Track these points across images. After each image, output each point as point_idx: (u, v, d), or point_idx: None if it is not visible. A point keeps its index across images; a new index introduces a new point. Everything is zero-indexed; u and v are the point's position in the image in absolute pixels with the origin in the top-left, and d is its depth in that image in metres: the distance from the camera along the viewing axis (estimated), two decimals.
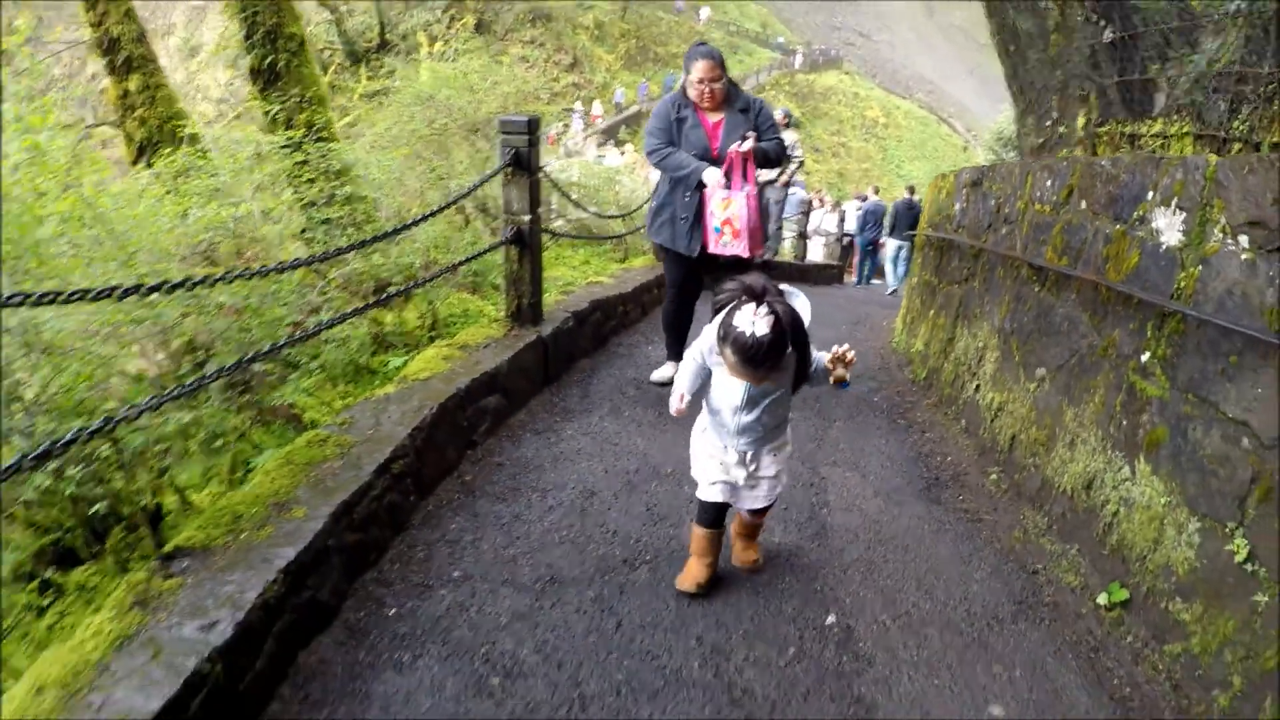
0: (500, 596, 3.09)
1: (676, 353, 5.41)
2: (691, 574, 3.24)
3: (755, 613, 3.18)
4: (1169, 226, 3.27)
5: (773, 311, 2.62)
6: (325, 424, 3.67)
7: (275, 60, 7.37)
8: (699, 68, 4.78)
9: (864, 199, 18.81)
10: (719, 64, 4.82)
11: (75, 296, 2.27)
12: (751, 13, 64.64)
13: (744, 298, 2.68)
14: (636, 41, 49.27)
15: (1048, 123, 7.02)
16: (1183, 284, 3.13)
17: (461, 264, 5.23)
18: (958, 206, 6.45)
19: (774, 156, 5.04)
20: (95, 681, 2.10)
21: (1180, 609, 2.91)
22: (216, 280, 2.78)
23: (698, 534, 3.26)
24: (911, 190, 16.13)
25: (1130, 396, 3.43)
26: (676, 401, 3.06)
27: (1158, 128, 4.19)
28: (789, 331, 2.67)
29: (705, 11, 58.20)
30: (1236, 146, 4.19)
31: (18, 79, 4.16)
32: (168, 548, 2.70)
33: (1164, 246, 3.29)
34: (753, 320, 2.62)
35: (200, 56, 40.04)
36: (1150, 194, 3.44)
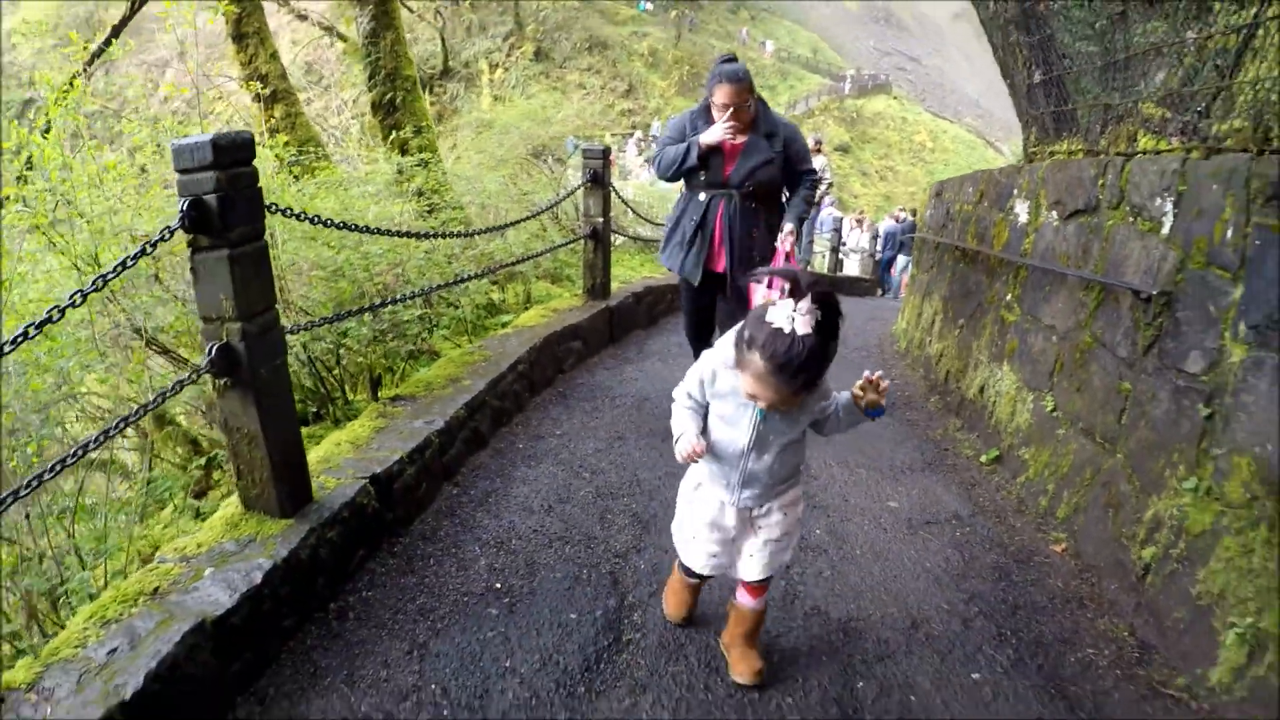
0: (586, 441, 4.90)
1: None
2: (675, 608, 3.09)
3: None
4: (1022, 210, 5.03)
5: (821, 306, 2.12)
6: (469, 347, 5.53)
7: (394, 97, 9.26)
8: (723, 92, 4.37)
9: (897, 219, 20.37)
10: (747, 87, 4.40)
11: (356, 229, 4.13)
12: (803, 38, 66.23)
13: (781, 292, 2.15)
14: (689, 69, 51.13)
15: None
16: (1027, 246, 4.88)
17: (559, 247, 7.21)
18: (929, 212, 8.23)
19: (808, 208, 4.78)
20: (369, 441, 3.89)
21: (1024, 453, 4.62)
22: (426, 236, 4.65)
23: (681, 583, 3.05)
24: (912, 212, 18.03)
25: (1001, 325, 5.18)
26: (686, 447, 2.47)
27: (1064, 146, 5.75)
28: (834, 339, 2.18)
29: (770, 45, 60.02)
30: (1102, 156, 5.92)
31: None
32: (388, 395, 4.54)
33: (1019, 223, 5.05)
34: (791, 317, 2.10)
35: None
36: (1015, 191, 5.21)
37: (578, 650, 2.91)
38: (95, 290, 2.51)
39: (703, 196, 4.63)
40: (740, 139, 4.50)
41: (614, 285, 8.00)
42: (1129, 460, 3.54)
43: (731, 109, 4.38)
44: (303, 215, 3.31)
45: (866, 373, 2.41)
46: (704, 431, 2.57)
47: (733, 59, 4.55)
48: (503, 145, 10.24)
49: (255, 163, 2.76)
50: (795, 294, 2.11)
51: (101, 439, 2.43)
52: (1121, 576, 3.40)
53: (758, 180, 4.53)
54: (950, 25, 76.15)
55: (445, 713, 2.55)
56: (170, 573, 2.66)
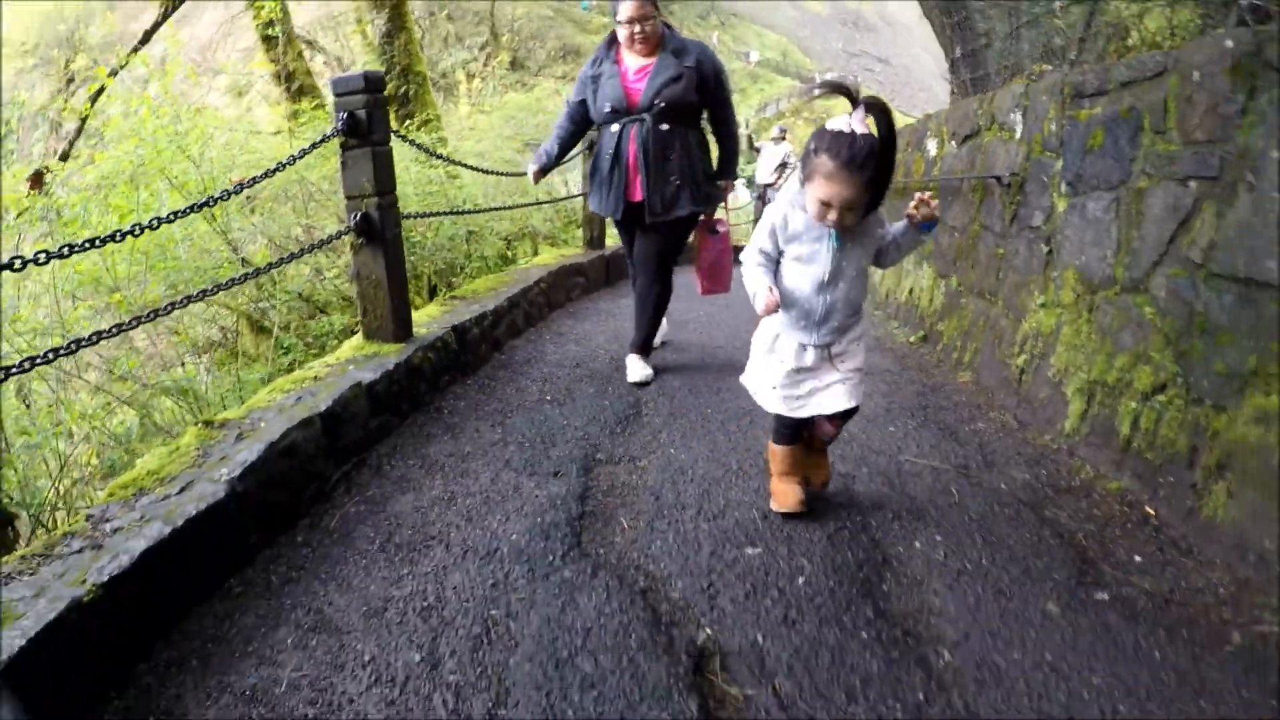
0: (597, 336, 6.18)
1: (644, 343, 5.08)
2: (789, 494, 3.06)
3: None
4: (932, 145, 6.40)
5: (873, 111, 2.43)
6: (500, 275, 6.85)
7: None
8: (626, 7, 4.26)
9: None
10: (650, 1, 4.28)
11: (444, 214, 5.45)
12: (771, 42, 67.76)
13: (817, 94, 2.66)
14: None
15: None
16: (935, 170, 6.23)
17: (561, 200, 8.50)
18: None
19: (734, 152, 4.85)
20: (441, 315, 5.15)
21: (941, 326, 5.94)
22: (505, 175, 5.97)
23: (781, 453, 3.09)
24: None
25: None
26: (764, 299, 2.58)
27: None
28: (891, 140, 2.46)
29: (754, 55, 61.54)
30: None
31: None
32: (445, 296, 5.83)
33: (930, 155, 6.42)
34: (849, 123, 2.41)
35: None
36: (927, 132, 6.58)
37: (613, 416, 4.24)
38: (281, 169, 3.82)
39: (615, 128, 4.43)
40: (646, 61, 4.39)
41: (610, 240, 9.28)
42: (1005, 303, 4.87)
43: (636, 23, 4.29)
44: (412, 142, 4.65)
45: (918, 194, 2.67)
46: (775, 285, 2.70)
47: None
48: (502, 134, 11.56)
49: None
50: (852, 104, 2.45)
51: (322, 244, 3.91)
52: (1006, 384, 4.72)
53: (668, 98, 4.32)
54: (918, 25, 77.53)
55: (525, 443, 3.82)
56: (322, 372, 3.92)
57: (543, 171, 4.75)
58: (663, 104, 4.33)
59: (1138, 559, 2.92)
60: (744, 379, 3.10)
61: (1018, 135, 4.81)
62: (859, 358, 2.91)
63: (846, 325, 2.84)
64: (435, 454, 3.67)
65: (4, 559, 2.21)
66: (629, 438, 3.95)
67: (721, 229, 4.97)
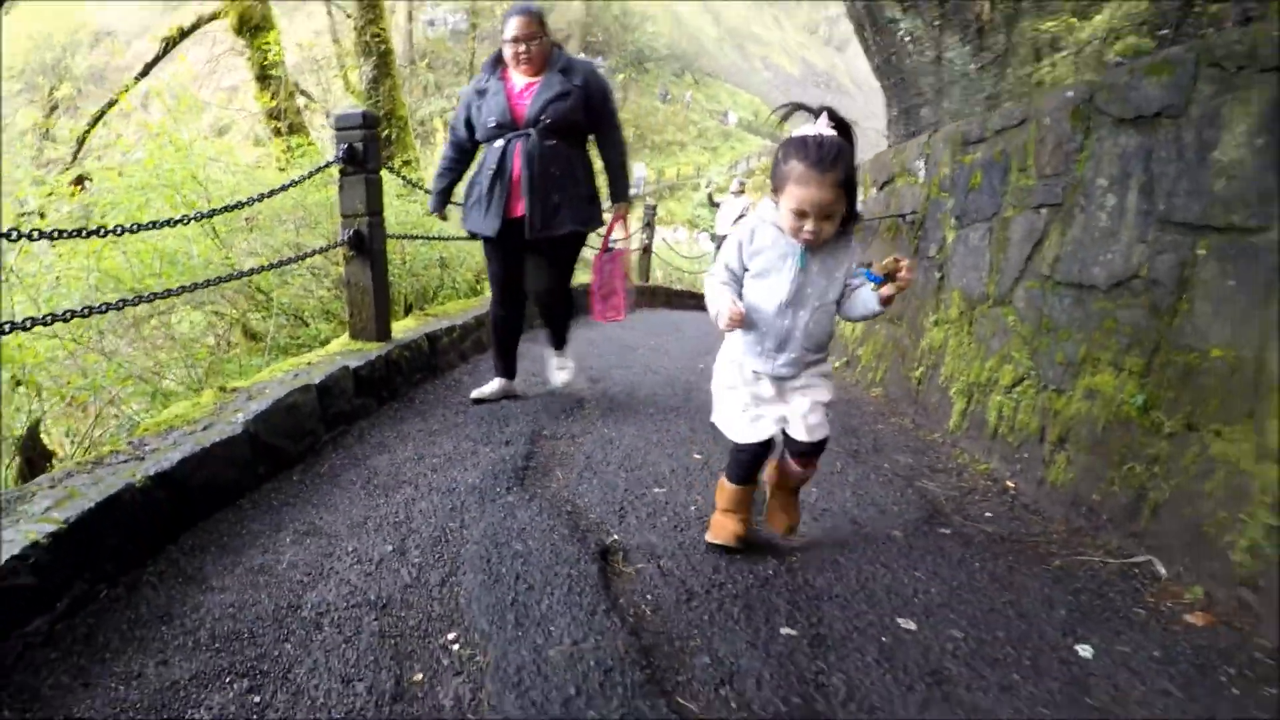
0: (523, 362, 6.84)
1: (505, 369, 5.05)
2: (726, 528, 2.97)
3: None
4: (859, 192, 7.14)
5: (833, 119, 2.50)
6: (470, 300, 7.51)
7: (391, 133, 11.27)
8: (513, 24, 4.26)
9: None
10: (536, 20, 4.29)
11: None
12: (744, 101, 69.39)
13: (787, 116, 2.67)
14: (635, 130, 53.69)
15: None
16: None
17: None
18: None
19: (623, 173, 4.74)
20: (418, 325, 5.80)
21: (860, 351, 6.63)
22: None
23: (730, 490, 2.97)
24: None
25: None
26: (726, 311, 2.56)
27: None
28: (851, 144, 2.51)
29: (732, 116, 63.21)
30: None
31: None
32: (420, 313, 6.49)
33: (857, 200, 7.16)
34: (814, 129, 2.48)
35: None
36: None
37: (559, 408, 4.90)
38: (275, 194, 4.51)
39: (499, 143, 4.36)
40: (532, 80, 4.38)
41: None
42: (909, 325, 5.59)
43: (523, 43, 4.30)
44: (398, 174, 5.32)
45: (892, 257, 2.60)
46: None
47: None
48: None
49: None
50: (814, 114, 2.52)
51: (317, 251, 4.68)
52: (907, 395, 5.41)
53: (555, 114, 4.31)
54: None
55: (483, 423, 4.45)
56: (314, 359, 4.56)
57: (443, 208, 4.87)
58: (548, 120, 4.31)
59: (988, 514, 3.59)
60: (713, 416, 2.96)
61: (921, 179, 5.56)
62: (821, 393, 2.80)
63: (807, 360, 2.74)
64: (407, 429, 4.31)
65: (62, 462, 2.84)
66: (571, 423, 4.60)
67: (616, 249, 4.96)
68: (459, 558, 2.80)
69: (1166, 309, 3.13)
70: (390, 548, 2.87)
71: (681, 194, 50.06)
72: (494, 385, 4.97)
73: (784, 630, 2.42)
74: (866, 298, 2.64)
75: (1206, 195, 2.96)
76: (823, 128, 2.47)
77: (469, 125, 4.54)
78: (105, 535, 2.56)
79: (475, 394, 4.93)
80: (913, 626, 2.48)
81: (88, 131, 13.73)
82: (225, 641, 2.26)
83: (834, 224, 2.53)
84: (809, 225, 2.49)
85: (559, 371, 5.14)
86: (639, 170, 49.06)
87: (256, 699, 2.01)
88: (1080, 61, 5.32)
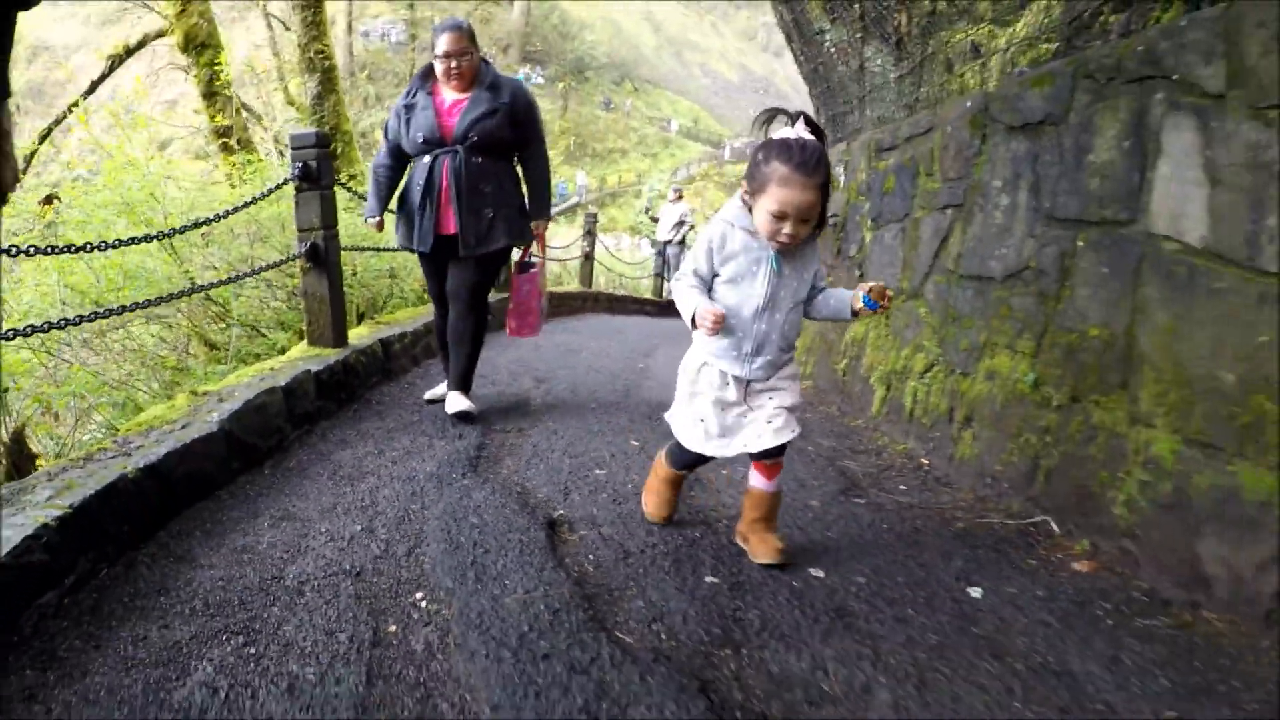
0: (507, 350, 7.14)
1: (464, 379, 4.88)
2: (657, 503, 3.20)
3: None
4: None
5: (808, 123, 2.53)
6: (419, 309, 7.78)
7: (336, 147, 11.48)
8: (444, 40, 4.30)
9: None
10: (467, 36, 4.35)
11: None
12: (684, 109, 69.94)
13: (781, 120, 2.61)
14: (576, 138, 54.03)
15: None
16: None
17: None
18: None
19: (545, 188, 4.77)
20: (372, 332, 6.08)
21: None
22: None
23: (665, 474, 3.14)
24: None
25: None
26: (706, 315, 2.51)
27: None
28: (824, 145, 2.53)
29: (674, 124, 63.61)
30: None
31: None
32: (372, 321, 6.77)
33: None
34: (793, 132, 2.50)
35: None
36: None
37: (507, 404, 5.22)
38: (235, 211, 4.78)
39: (426, 159, 4.42)
40: (461, 96, 4.42)
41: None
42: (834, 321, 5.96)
43: (451, 59, 4.33)
44: (350, 189, 5.60)
45: (874, 284, 2.64)
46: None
47: (455, 18, 4.62)
48: None
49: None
50: (791, 118, 2.54)
51: (275, 264, 4.87)
52: (834, 385, 5.79)
53: (482, 132, 4.35)
54: None
55: (437, 421, 4.73)
56: (277, 364, 4.83)
57: (381, 219, 4.81)
58: (476, 138, 4.34)
59: (902, 487, 3.97)
60: (668, 415, 2.98)
61: (842, 184, 5.94)
62: (789, 395, 2.81)
63: (780, 361, 2.77)
64: (366, 427, 4.58)
65: (53, 459, 3.10)
66: (519, 418, 4.92)
67: (533, 267, 5.01)
68: (422, 532, 3.11)
69: (1052, 295, 3.52)
70: (359, 527, 3.16)
71: (623, 201, 50.48)
72: (444, 386, 4.99)
73: (708, 579, 2.77)
74: (839, 306, 2.74)
75: (1084, 193, 3.35)
76: (801, 131, 2.50)
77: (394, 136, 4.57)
78: (104, 520, 2.83)
79: (428, 395, 5.10)
80: (821, 574, 2.84)
81: (36, 148, 13.77)
82: (218, 608, 2.54)
83: (809, 227, 2.55)
84: (787, 228, 2.49)
85: (460, 402, 4.77)
86: (580, 178, 49.35)
87: (252, 650, 2.30)
88: (987, 71, 5.72)
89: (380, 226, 4.85)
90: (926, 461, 4.30)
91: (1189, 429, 2.75)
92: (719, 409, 2.78)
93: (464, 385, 4.81)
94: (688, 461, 3.02)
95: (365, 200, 4.92)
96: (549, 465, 4.00)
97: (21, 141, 13.97)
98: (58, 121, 13.92)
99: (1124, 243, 3.11)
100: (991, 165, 4.05)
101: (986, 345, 3.97)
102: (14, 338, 3.25)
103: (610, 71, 67.00)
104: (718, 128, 68.11)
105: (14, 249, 3.13)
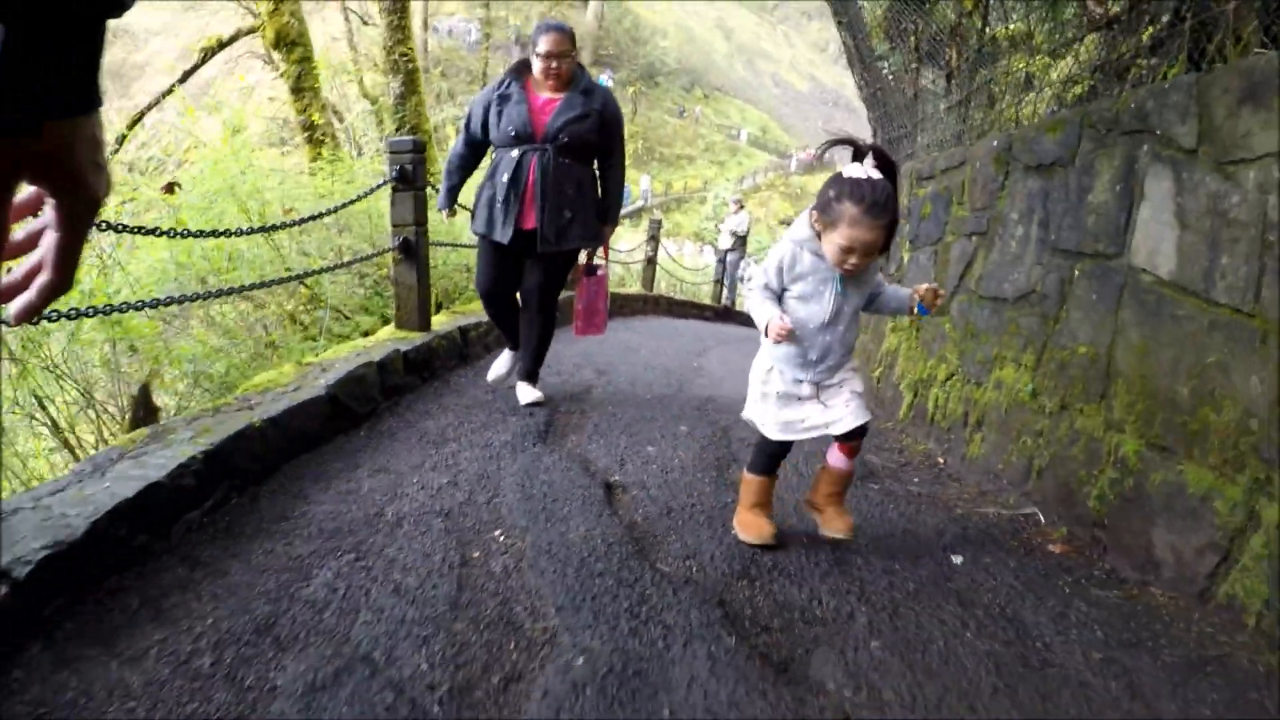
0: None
1: (512, 338, 5.26)
2: (756, 527, 3.20)
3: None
4: None
5: (879, 158, 2.69)
6: None
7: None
8: (547, 40, 4.43)
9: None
10: (569, 38, 4.50)
11: None
12: (753, 118, 70.35)
13: (827, 149, 2.91)
14: (644, 142, 54.64)
15: None
16: None
17: None
18: None
19: (618, 198, 4.98)
20: (450, 320, 6.71)
21: None
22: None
23: (757, 484, 3.23)
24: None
25: None
26: (775, 326, 2.71)
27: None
28: (896, 182, 2.71)
29: (744, 133, 64.15)
30: None
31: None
32: (450, 310, 7.41)
33: None
34: (864, 170, 2.63)
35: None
36: None
37: (572, 390, 5.80)
38: (345, 206, 5.43)
39: (515, 153, 4.50)
40: (555, 96, 4.55)
41: None
42: (873, 333, 6.49)
43: (553, 58, 4.46)
44: (434, 186, 6.23)
45: (928, 285, 2.93)
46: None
47: (557, 20, 4.75)
48: None
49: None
50: (860, 155, 2.70)
51: (371, 256, 5.46)
52: (868, 392, 6.21)
53: (574, 134, 4.49)
54: None
55: (509, 400, 5.29)
56: (369, 344, 5.48)
57: (453, 209, 5.11)
58: (567, 138, 4.47)
59: (916, 480, 4.48)
60: (744, 413, 3.21)
61: None
62: (856, 384, 3.04)
63: (840, 364, 2.99)
64: (447, 402, 5.20)
65: (173, 414, 3.75)
66: (581, 403, 5.50)
67: (600, 271, 5.24)
68: (499, 486, 3.72)
69: (1052, 316, 4.03)
70: (445, 480, 3.77)
71: (688, 207, 50.96)
72: (505, 358, 5.23)
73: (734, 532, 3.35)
74: (898, 306, 3.02)
75: (1082, 229, 3.85)
76: (869, 169, 2.65)
77: (485, 126, 4.65)
78: (235, 458, 3.46)
79: (491, 375, 5.30)
80: (826, 532, 3.39)
81: (128, 131, 14.58)
82: (331, 534, 3.15)
83: (873, 258, 2.74)
84: (853, 259, 2.68)
85: (531, 393, 5.16)
86: (643, 182, 49.82)
87: (362, 564, 2.91)
88: (1021, 109, 6.20)
89: (452, 215, 5.16)
90: (942, 460, 4.81)
91: (1150, 434, 3.25)
92: (792, 401, 3.01)
93: (533, 378, 5.17)
94: (770, 462, 3.21)
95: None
96: (608, 441, 4.57)
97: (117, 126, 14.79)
98: (149, 108, 14.70)
99: (1110, 273, 3.62)
100: (1011, 199, 4.56)
101: (997, 358, 4.48)
102: (142, 308, 3.87)
103: (681, 77, 67.65)
104: (785, 138, 68.38)
105: (172, 230, 3.80)
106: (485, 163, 4.90)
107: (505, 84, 4.58)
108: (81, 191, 0.75)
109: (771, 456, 3.18)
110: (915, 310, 2.96)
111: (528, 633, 2.49)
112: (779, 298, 2.93)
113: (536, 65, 4.50)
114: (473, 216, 4.81)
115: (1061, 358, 3.91)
